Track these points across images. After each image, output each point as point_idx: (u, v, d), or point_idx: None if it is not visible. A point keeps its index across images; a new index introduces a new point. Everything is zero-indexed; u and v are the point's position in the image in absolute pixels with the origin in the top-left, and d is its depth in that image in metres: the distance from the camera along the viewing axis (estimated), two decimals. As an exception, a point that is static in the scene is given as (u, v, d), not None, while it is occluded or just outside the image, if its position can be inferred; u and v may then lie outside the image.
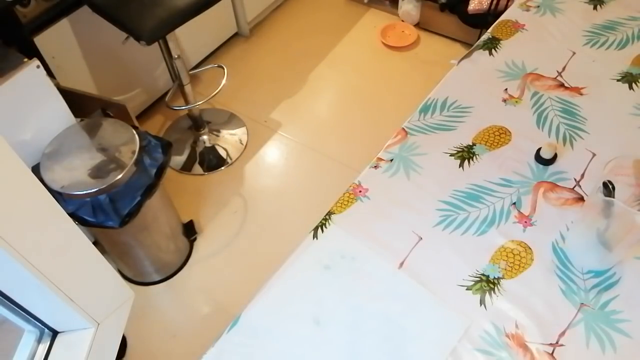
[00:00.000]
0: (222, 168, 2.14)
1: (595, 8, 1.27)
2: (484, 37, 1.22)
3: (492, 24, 1.25)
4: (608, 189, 0.73)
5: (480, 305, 0.79)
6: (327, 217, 0.91)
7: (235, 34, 2.61)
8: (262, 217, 1.98)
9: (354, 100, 2.12)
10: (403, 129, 1.04)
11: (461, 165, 0.97)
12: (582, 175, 0.94)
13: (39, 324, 1.16)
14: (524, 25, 1.24)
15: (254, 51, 2.56)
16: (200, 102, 1.99)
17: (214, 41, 2.49)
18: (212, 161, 2.17)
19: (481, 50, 1.18)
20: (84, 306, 1.15)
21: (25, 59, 1.39)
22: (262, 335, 0.78)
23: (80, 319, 1.16)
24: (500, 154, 0.98)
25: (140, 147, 1.43)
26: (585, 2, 1.28)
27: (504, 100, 1.07)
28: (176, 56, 1.83)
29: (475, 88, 1.10)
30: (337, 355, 0.76)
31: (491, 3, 1.93)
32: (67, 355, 1.17)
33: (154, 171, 1.44)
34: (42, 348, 1.17)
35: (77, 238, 1.11)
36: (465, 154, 0.98)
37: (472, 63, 1.16)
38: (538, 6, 1.28)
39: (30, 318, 1.13)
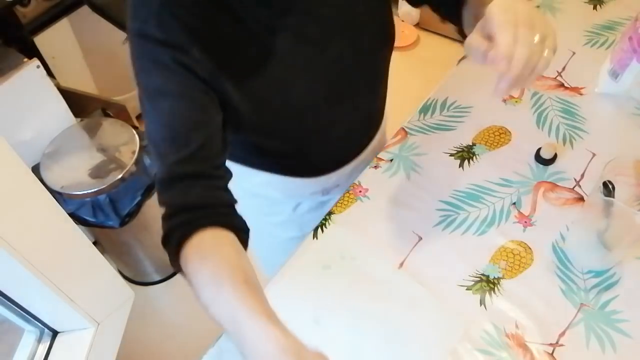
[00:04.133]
0: (222, 168, 2.14)
1: (595, 8, 1.27)
2: (484, 37, 1.22)
3: (492, 24, 1.25)
4: (608, 189, 0.73)
5: (480, 305, 0.79)
6: (327, 217, 0.92)
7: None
8: (262, 217, 1.98)
9: (354, 100, 2.12)
10: (403, 129, 1.04)
11: (461, 165, 0.97)
12: (582, 175, 0.94)
13: (39, 324, 1.16)
14: (524, 25, 1.23)
15: (254, 51, 2.56)
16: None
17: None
18: (212, 161, 2.17)
19: (481, 50, 1.18)
20: (83, 306, 1.16)
21: (25, 59, 1.39)
22: (262, 335, 0.78)
23: (80, 318, 1.16)
24: (500, 154, 0.98)
25: (140, 147, 1.43)
26: (585, 2, 1.28)
27: (504, 100, 1.07)
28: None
29: (475, 88, 1.10)
30: (337, 355, 0.75)
31: (491, 3, 1.92)
32: (67, 355, 1.18)
33: (154, 171, 1.44)
34: (42, 348, 1.17)
35: (77, 238, 1.11)
36: (465, 154, 0.98)
37: (472, 63, 1.16)
38: (538, 6, 1.28)
39: (30, 318, 1.13)
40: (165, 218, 0.65)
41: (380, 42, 0.81)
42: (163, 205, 0.66)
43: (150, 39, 0.60)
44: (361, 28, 0.75)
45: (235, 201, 0.69)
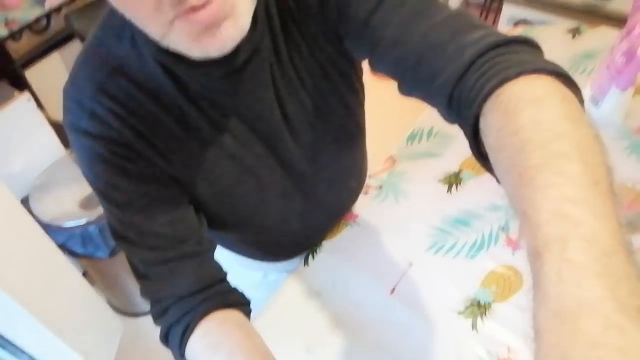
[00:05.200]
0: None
1: (574, 37, 1.31)
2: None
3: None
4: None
5: (473, 329, 0.79)
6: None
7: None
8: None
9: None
10: (391, 156, 1.06)
11: (449, 190, 0.98)
12: (568, 199, 0.95)
13: (26, 357, 1.14)
14: (506, 54, 1.27)
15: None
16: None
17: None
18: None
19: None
20: (72, 339, 1.14)
21: (17, 92, 1.40)
22: (254, 365, 0.77)
23: (68, 351, 1.14)
24: (487, 178, 0.99)
25: (131, 178, 1.43)
26: (565, 32, 1.33)
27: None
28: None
29: (461, 115, 1.12)
30: (331, 383, 0.75)
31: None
32: (55, 390, 1.15)
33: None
34: (29, 383, 1.15)
35: (67, 270, 1.10)
36: (453, 180, 1.00)
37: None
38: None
39: (18, 351, 1.11)
40: (159, 314, 0.62)
41: (339, 143, 0.75)
42: (149, 298, 0.62)
43: (84, 133, 0.56)
44: (313, 131, 0.69)
45: (225, 273, 0.66)
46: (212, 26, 0.46)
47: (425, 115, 1.14)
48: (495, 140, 0.41)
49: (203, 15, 0.44)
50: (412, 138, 1.09)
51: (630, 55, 0.88)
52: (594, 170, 0.34)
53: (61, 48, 1.69)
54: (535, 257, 0.32)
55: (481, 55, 0.46)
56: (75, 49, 1.69)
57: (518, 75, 0.42)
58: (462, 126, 0.49)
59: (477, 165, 1.02)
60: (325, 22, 0.60)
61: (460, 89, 0.47)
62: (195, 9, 0.44)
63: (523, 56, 0.45)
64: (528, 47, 0.47)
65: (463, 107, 0.47)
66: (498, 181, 0.42)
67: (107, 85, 0.56)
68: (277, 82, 0.62)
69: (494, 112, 0.42)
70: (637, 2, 0.86)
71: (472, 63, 0.46)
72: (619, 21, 1.29)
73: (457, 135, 1.08)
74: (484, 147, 0.44)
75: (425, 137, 1.09)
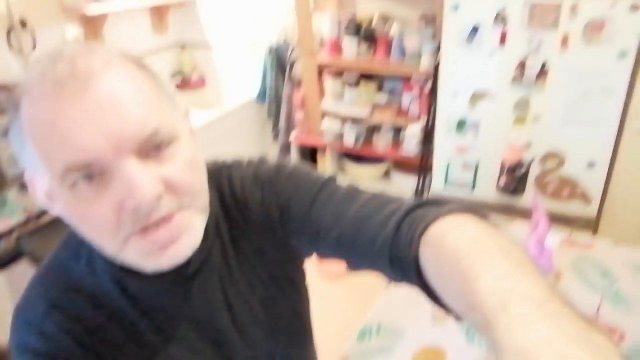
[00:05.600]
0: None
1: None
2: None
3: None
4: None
5: None
6: None
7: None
8: None
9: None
10: (344, 355, 1.07)
11: (405, 386, 0.98)
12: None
13: None
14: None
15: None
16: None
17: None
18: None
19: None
20: None
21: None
22: None
23: None
24: (439, 371, 1.01)
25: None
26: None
27: (434, 318, 1.15)
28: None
29: (405, 310, 1.18)
30: None
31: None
32: None
33: None
34: None
35: None
36: (408, 375, 1.01)
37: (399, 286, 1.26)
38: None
39: None
40: None
41: (288, 344, 0.77)
42: None
43: (32, 352, 0.56)
44: (262, 334, 0.72)
45: None
46: (168, 243, 0.50)
47: (371, 313, 1.19)
48: (434, 269, 0.48)
49: (161, 234, 0.49)
50: (362, 335, 1.12)
51: (540, 246, 1.01)
52: (514, 257, 0.41)
53: (7, 269, 1.68)
54: (486, 328, 0.36)
55: (405, 217, 0.55)
56: (21, 270, 1.68)
57: (437, 218, 0.50)
58: (408, 279, 0.54)
59: (428, 357, 1.05)
60: (270, 229, 0.67)
61: (396, 248, 0.54)
62: (155, 226, 0.48)
63: (438, 207, 0.54)
64: (441, 204, 0.56)
65: (403, 261, 0.53)
66: (453, 313, 0.46)
67: (60, 301, 0.58)
68: (226, 288, 0.66)
69: (426, 250, 0.49)
70: (535, 202, 1.02)
71: (399, 225, 0.55)
72: (530, 215, 1.48)
73: (404, 330, 1.12)
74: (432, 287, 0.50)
75: (375, 334, 1.12)
